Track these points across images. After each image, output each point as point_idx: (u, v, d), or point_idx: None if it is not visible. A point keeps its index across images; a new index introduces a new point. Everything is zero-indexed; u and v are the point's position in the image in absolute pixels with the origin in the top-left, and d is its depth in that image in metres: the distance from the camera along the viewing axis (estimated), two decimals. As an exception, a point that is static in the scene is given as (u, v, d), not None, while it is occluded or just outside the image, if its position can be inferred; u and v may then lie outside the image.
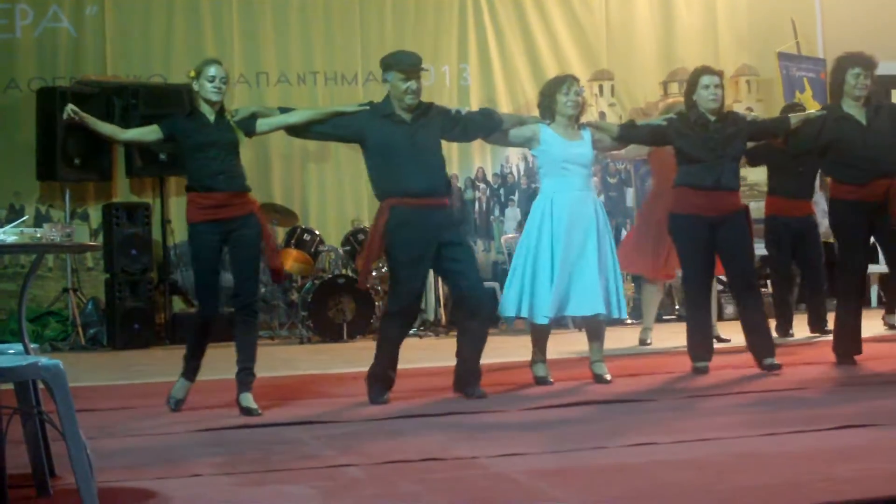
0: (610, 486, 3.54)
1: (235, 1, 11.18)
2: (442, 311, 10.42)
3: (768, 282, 9.40)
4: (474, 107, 10.86)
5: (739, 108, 10.72)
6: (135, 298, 9.94)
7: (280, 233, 10.37)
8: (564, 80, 6.33)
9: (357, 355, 8.13)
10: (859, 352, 6.62)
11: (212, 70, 5.53)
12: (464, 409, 5.37)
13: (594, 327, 6.36)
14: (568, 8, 12.07)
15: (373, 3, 11.58)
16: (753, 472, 3.65)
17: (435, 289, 10.44)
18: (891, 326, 8.90)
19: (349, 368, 7.30)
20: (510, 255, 10.72)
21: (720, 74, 6.51)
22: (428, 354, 7.83)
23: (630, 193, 12.03)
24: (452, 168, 11.16)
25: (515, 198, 11.75)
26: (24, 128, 10.30)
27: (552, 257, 6.09)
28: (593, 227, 6.15)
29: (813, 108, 7.55)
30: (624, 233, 11.14)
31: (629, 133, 6.59)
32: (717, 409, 5.21)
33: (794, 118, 6.73)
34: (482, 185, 11.77)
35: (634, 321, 9.38)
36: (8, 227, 4.57)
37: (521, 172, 11.83)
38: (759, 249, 8.45)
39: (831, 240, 9.75)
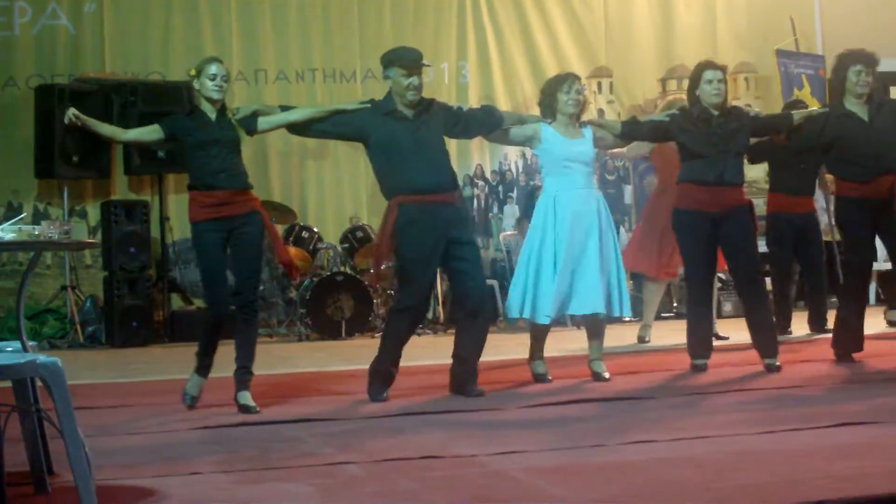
0: (609, 483, 3.53)
1: (234, -2, 11.20)
2: (441, 308, 10.41)
3: (767, 279, 9.39)
4: (473, 104, 10.88)
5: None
6: (133, 296, 9.93)
7: (279, 230, 10.36)
8: (566, 79, 6.32)
9: (355, 353, 8.13)
10: (860, 349, 6.62)
11: (213, 68, 5.52)
12: (463, 407, 5.37)
13: (594, 326, 6.36)
14: (567, 5, 12.08)
15: (371, 0, 11.58)
16: (753, 469, 3.65)
17: (434, 287, 10.43)
18: (892, 323, 8.91)
19: (348, 366, 7.30)
20: (509, 253, 10.73)
21: (723, 69, 6.48)
22: (427, 352, 7.82)
23: (628, 191, 12.04)
24: (450, 165, 11.15)
25: (514, 195, 11.75)
26: (23, 125, 10.30)
27: (555, 257, 6.09)
28: (595, 225, 6.14)
29: (812, 105, 7.56)
30: (622, 230, 11.14)
31: (632, 130, 6.58)
32: (717, 407, 5.21)
33: (797, 115, 6.73)
34: (480, 183, 11.77)
35: (633, 319, 9.38)
36: (6, 225, 4.57)
37: (520, 169, 11.84)
38: (760, 247, 8.44)
39: (829, 238, 9.79)
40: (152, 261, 10.28)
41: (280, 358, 8.26)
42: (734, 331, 8.19)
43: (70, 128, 5.67)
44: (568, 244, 6.07)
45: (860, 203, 6.43)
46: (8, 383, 3.56)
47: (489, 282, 9.59)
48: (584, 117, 6.45)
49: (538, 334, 6.35)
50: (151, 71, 10.89)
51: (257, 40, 11.24)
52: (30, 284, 7.87)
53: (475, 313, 5.84)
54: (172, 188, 10.61)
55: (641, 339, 8.36)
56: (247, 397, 5.47)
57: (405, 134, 5.73)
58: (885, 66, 6.68)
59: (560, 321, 8.15)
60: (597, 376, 6.26)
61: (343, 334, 9.79)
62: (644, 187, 11.71)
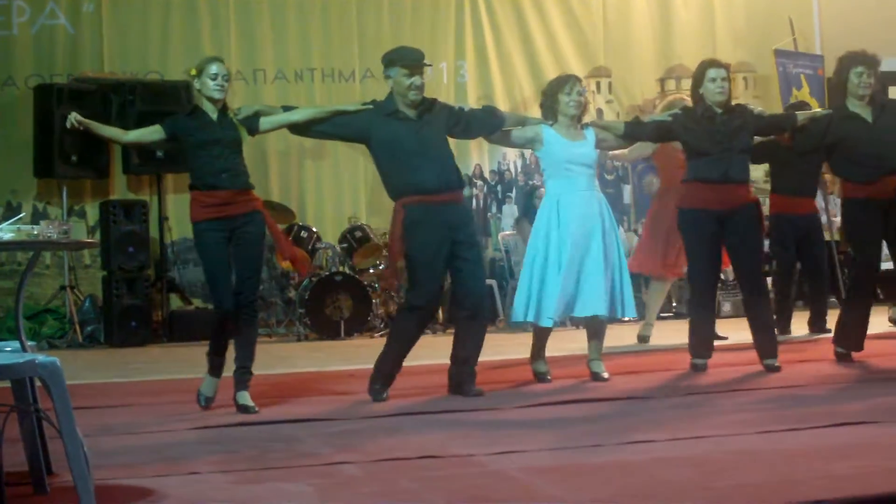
0: (607, 483, 3.53)
1: (232, -3, 11.20)
2: (440, 308, 10.39)
3: (769, 279, 9.40)
4: (471, 104, 10.88)
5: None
6: (132, 296, 9.92)
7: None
8: (567, 80, 6.31)
9: (354, 353, 8.14)
10: (860, 349, 6.61)
11: (213, 68, 5.51)
12: (462, 407, 5.37)
13: (594, 326, 6.35)
14: (565, 4, 12.07)
15: (370, 0, 11.57)
16: (751, 469, 3.65)
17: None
18: (894, 322, 8.91)
19: (346, 366, 7.30)
20: (507, 253, 10.73)
21: (727, 67, 6.46)
22: (426, 352, 7.80)
23: (627, 190, 12.04)
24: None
25: (513, 195, 11.75)
26: (22, 125, 10.30)
27: (559, 261, 6.08)
28: (598, 227, 6.13)
29: (812, 106, 7.55)
30: (621, 230, 11.13)
31: (635, 130, 6.55)
32: (716, 407, 5.21)
33: (801, 115, 6.72)
34: (479, 183, 11.77)
35: (633, 319, 9.36)
36: (5, 225, 4.57)
37: (519, 169, 11.84)
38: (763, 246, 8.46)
39: (827, 237, 9.79)
40: (151, 261, 10.27)
41: (279, 358, 8.25)
42: (734, 331, 8.19)
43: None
44: (572, 247, 6.07)
45: (866, 204, 6.42)
46: (7, 383, 3.55)
47: (487, 282, 9.59)
48: (586, 118, 6.45)
49: (540, 334, 6.35)
50: (150, 70, 10.88)
51: (256, 40, 11.23)
52: (29, 284, 7.88)
53: (474, 313, 5.84)
54: (171, 188, 10.61)
55: (642, 338, 8.35)
56: (246, 397, 5.47)
57: (408, 134, 5.72)
58: (884, 65, 6.68)
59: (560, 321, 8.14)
60: (595, 376, 6.26)
61: (342, 334, 9.79)
62: (643, 187, 11.71)
